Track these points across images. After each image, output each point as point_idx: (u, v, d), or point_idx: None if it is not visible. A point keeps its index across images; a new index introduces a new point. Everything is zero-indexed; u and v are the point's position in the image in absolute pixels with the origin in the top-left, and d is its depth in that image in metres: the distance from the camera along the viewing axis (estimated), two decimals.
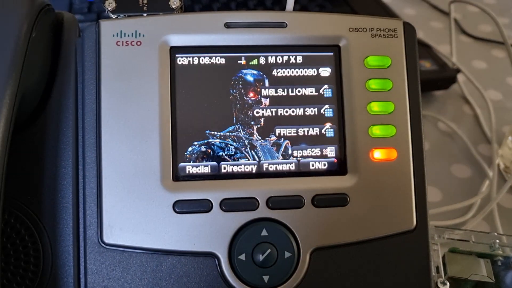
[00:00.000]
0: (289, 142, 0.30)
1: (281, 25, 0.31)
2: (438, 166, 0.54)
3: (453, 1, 0.66)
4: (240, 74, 0.30)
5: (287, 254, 0.29)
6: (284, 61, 0.31)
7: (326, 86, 0.31)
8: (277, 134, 0.30)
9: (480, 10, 0.63)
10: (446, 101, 0.63)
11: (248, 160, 0.30)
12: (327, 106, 0.31)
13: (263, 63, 0.31)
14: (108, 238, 0.28)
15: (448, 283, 0.33)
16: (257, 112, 0.30)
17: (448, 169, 0.54)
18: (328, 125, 0.31)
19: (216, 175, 0.30)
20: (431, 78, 0.60)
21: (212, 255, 0.29)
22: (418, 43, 0.65)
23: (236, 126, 0.30)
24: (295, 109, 0.31)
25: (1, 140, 0.23)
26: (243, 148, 0.30)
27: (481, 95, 0.62)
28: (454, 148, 0.57)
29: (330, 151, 0.31)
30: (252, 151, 0.30)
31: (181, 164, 0.30)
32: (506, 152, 0.54)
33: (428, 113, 0.60)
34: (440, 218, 0.48)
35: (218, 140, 0.30)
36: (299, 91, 0.31)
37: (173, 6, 0.30)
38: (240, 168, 0.30)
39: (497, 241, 0.36)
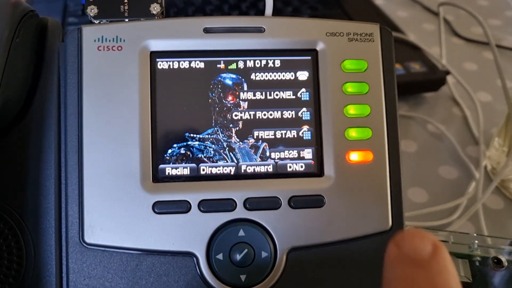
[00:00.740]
0: (267, 144, 0.31)
1: (259, 30, 0.31)
2: (425, 168, 0.55)
3: (443, 3, 0.66)
4: (219, 78, 0.31)
5: (263, 254, 0.29)
6: (262, 65, 0.31)
7: (303, 90, 0.32)
8: (255, 137, 0.31)
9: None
10: (435, 102, 0.64)
11: (227, 162, 0.31)
12: (304, 109, 0.31)
13: (241, 67, 0.31)
14: (89, 238, 0.29)
15: None
16: (236, 115, 0.31)
17: (435, 171, 0.55)
18: (305, 127, 0.31)
19: (195, 177, 0.30)
20: (420, 80, 0.61)
21: (190, 255, 0.29)
22: (409, 46, 0.66)
23: (215, 128, 0.31)
24: (273, 112, 0.31)
25: None
26: (221, 150, 0.31)
27: (470, 97, 0.62)
28: (442, 150, 0.57)
29: (307, 153, 0.31)
30: (231, 153, 0.31)
31: (161, 165, 0.30)
32: (493, 153, 0.55)
33: (417, 115, 0.61)
34: (426, 219, 0.48)
35: (197, 142, 0.31)
36: (277, 95, 0.31)
37: (154, 12, 0.31)
38: (218, 170, 0.31)
39: (476, 241, 0.37)
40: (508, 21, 0.80)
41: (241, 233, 0.29)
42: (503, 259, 0.35)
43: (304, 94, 0.32)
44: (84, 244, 0.29)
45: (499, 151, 0.54)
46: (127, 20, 0.31)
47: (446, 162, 0.56)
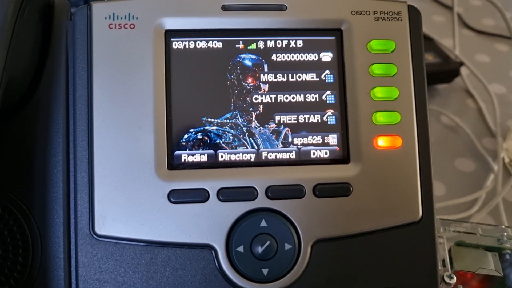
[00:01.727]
0: (289, 129, 0.29)
1: (280, 8, 0.29)
2: (442, 160, 0.53)
3: None
4: (238, 59, 0.29)
5: (287, 246, 0.28)
6: (284, 46, 0.30)
7: (327, 72, 0.30)
8: (276, 121, 0.29)
9: (482, 3, 0.62)
10: (449, 94, 0.62)
11: (247, 148, 0.29)
12: (328, 92, 0.30)
13: (262, 48, 0.30)
14: (100, 229, 0.27)
15: (454, 277, 0.32)
16: (256, 98, 0.29)
17: (452, 163, 0.53)
18: (329, 111, 0.30)
19: (213, 164, 0.29)
20: (434, 71, 0.59)
21: (209, 247, 0.28)
22: None
23: (234, 112, 0.29)
24: (295, 95, 0.29)
25: None
26: (241, 136, 0.29)
27: (485, 89, 0.61)
28: (458, 142, 0.56)
29: (332, 139, 0.29)
30: (251, 138, 0.29)
31: (177, 152, 0.28)
32: (511, 145, 0.53)
33: (431, 107, 0.59)
34: (444, 213, 0.47)
35: (215, 127, 0.29)
36: (299, 77, 0.30)
37: None
38: (238, 157, 0.29)
39: (505, 234, 0.35)
40: None
41: (263, 223, 0.28)
42: None
43: (328, 76, 0.30)
44: (95, 236, 0.27)
45: None
46: None
47: (462, 154, 0.54)
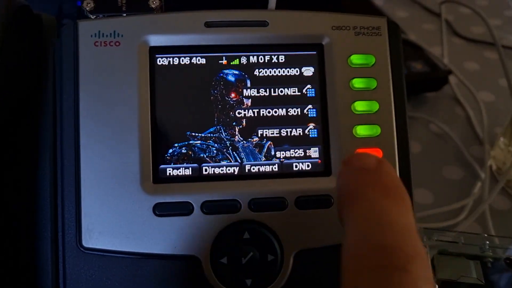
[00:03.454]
0: (271, 143, 0.30)
1: (262, 24, 0.30)
2: (429, 168, 0.54)
3: (444, 2, 0.65)
4: (222, 75, 0.30)
5: (270, 257, 0.28)
6: (266, 61, 0.30)
7: (309, 86, 0.30)
8: (259, 135, 0.30)
9: (472, 11, 0.63)
10: (437, 102, 0.63)
11: (230, 161, 0.29)
12: (310, 106, 0.30)
13: (244, 63, 0.30)
14: (87, 242, 0.28)
15: (437, 286, 0.32)
16: (239, 113, 0.30)
17: (439, 171, 0.54)
18: (311, 125, 0.30)
19: (197, 177, 0.29)
20: (422, 79, 0.60)
21: (193, 259, 0.28)
22: (410, 45, 0.65)
23: (218, 127, 0.30)
24: (278, 109, 0.30)
25: None
26: (224, 150, 0.29)
27: (473, 97, 0.61)
28: (446, 150, 0.56)
29: (314, 152, 0.30)
30: (234, 152, 0.30)
31: (162, 166, 0.29)
32: (498, 153, 0.54)
33: (419, 115, 0.60)
34: (431, 220, 0.47)
35: (199, 141, 0.29)
36: (281, 91, 0.30)
37: (153, 6, 0.30)
38: (221, 170, 0.29)
39: (487, 242, 0.35)
40: (507, 21, 0.80)
41: (246, 235, 0.28)
42: None
43: (309, 90, 0.30)
44: (82, 249, 0.28)
45: (505, 151, 0.53)
46: (124, 15, 0.30)
47: (450, 162, 0.55)
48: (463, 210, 0.49)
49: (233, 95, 0.30)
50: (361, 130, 0.30)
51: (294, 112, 0.30)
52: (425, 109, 0.61)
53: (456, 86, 0.64)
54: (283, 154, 0.30)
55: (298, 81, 0.30)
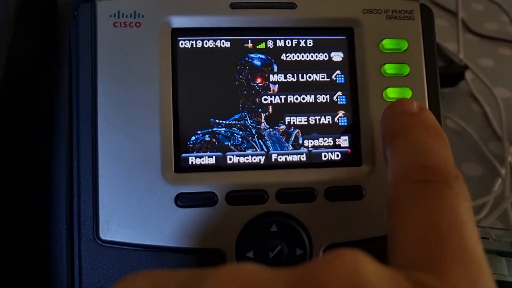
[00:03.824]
0: (299, 131, 0.29)
1: (290, 6, 0.29)
2: None
3: None
4: (247, 59, 0.29)
5: (298, 251, 0.27)
6: (294, 45, 0.29)
7: (338, 72, 0.29)
8: (286, 123, 0.28)
9: (485, 8, 0.62)
10: (454, 98, 0.62)
11: (256, 150, 0.28)
12: (339, 93, 0.29)
13: (271, 47, 0.29)
14: (105, 234, 0.27)
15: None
16: (265, 99, 0.29)
17: (458, 168, 0.52)
18: (341, 113, 0.29)
19: (221, 166, 0.28)
20: (439, 75, 0.59)
21: (218, 253, 0.27)
22: None
23: (243, 114, 0.28)
24: (306, 96, 0.29)
25: None
26: (250, 138, 0.28)
27: (490, 92, 0.60)
28: (464, 146, 0.55)
29: (344, 141, 0.29)
30: (260, 140, 0.28)
31: (184, 154, 0.28)
32: None
33: None
34: None
35: (224, 128, 0.28)
36: (309, 77, 0.29)
37: None
38: (247, 159, 0.28)
39: None
40: None
41: (274, 228, 0.27)
42: None
43: (339, 76, 0.29)
44: (99, 242, 0.27)
45: None
46: None
47: (469, 158, 0.54)
48: (484, 207, 0.48)
49: (259, 80, 0.29)
50: None
51: (323, 99, 0.29)
52: (442, 104, 0.60)
53: (472, 82, 0.63)
54: (311, 142, 0.29)
55: (327, 66, 0.29)
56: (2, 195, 0.26)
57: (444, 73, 0.59)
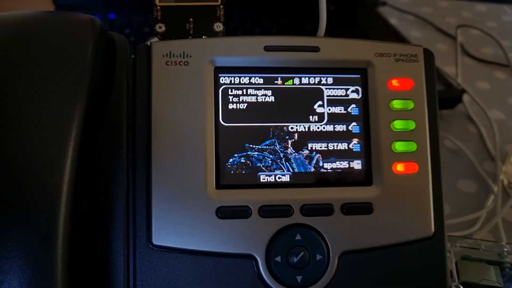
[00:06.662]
0: (320, 155, 0.33)
1: (314, 50, 0.34)
2: (446, 182, 0.57)
3: (460, 26, 0.69)
4: None
5: (318, 257, 0.32)
6: (316, 82, 0.34)
7: (353, 105, 0.34)
8: (309, 148, 0.33)
9: (482, 33, 0.67)
10: (452, 120, 0.66)
11: (283, 171, 0.33)
12: (354, 123, 0.34)
13: (297, 83, 0.34)
14: (157, 240, 0.31)
15: (461, 287, 0.36)
16: (292, 128, 0.33)
17: (455, 185, 0.57)
18: (355, 140, 0.34)
19: (254, 184, 0.33)
20: (438, 98, 0.63)
21: (250, 257, 0.31)
22: None
23: (273, 140, 0.33)
24: (326, 126, 0.34)
25: (74, 142, 0.26)
26: (278, 160, 0.33)
27: (485, 115, 0.65)
28: (460, 165, 0.60)
29: (357, 164, 0.34)
30: (287, 163, 0.33)
31: (223, 173, 0.32)
32: (510, 168, 0.57)
33: None
34: (448, 230, 0.50)
35: (256, 152, 0.33)
36: (329, 110, 0.34)
37: (217, 30, 0.34)
38: (276, 178, 0.33)
39: (505, 249, 0.39)
40: None
41: (298, 237, 0.32)
42: None
43: (354, 109, 0.34)
44: (152, 246, 0.31)
45: None
46: (191, 38, 0.34)
47: (464, 176, 0.58)
48: (477, 221, 0.52)
49: None
50: (399, 146, 0.33)
51: (340, 128, 0.34)
52: (440, 126, 0.64)
53: (469, 105, 0.68)
54: (330, 165, 0.33)
55: (344, 101, 0.34)
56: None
57: (443, 97, 0.64)
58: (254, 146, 0.33)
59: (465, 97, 0.68)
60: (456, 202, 0.55)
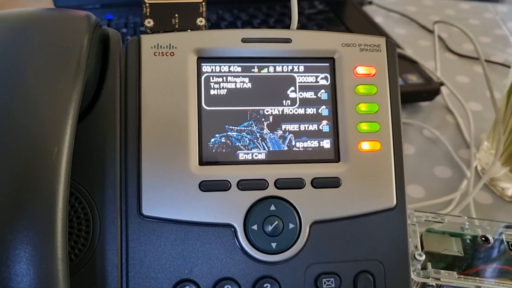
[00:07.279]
0: (293, 135, 0.37)
1: (287, 41, 0.37)
2: (422, 167, 0.61)
3: (438, 22, 0.73)
4: None
5: (291, 226, 0.35)
6: (289, 70, 0.38)
7: (323, 91, 0.38)
8: (283, 129, 0.37)
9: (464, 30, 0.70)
10: (430, 111, 0.70)
11: (260, 149, 0.37)
12: (323, 106, 0.38)
13: (272, 71, 0.38)
14: (146, 211, 0.34)
15: (423, 255, 0.39)
16: (267, 111, 0.37)
17: (431, 170, 0.61)
18: (324, 122, 0.37)
19: (233, 161, 0.36)
20: (417, 90, 0.67)
21: (230, 226, 0.34)
22: (407, 60, 0.73)
23: (250, 122, 0.37)
24: (298, 109, 0.37)
25: (71, 126, 0.30)
26: (255, 140, 0.37)
27: (462, 106, 0.69)
28: (437, 152, 0.63)
29: (326, 143, 0.37)
30: (263, 142, 0.37)
31: (206, 151, 0.36)
32: (483, 155, 0.61)
33: (414, 122, 0.67)
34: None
35: (235, 133, 0.37)
36: (301, 95, 0.38)
37: (200, 24, 0.37)
38: (253, 156, 0.37)
39: (467, 223, 0.43)
40: (497, 39, 0.87)
41: (272, 207, 0.35)
42: (490, 237, 0.42)
43: (323, 94, 0.38)
44: (142, 217, 0.34)
45: (488, 153, 0.60)
46: (176, 31, 0.37)
47: (440, 163, 0.62)
48: (451, 203, 0.56)
49: None
50: (364, 126, 0.37)
51: (311, 111, 0.38)
52: (420, 116, 0.69)
53: (448, 97, 0.71)
54: (301, 144, 0.37)
55: (314, 86, 0.38)
56: (72, 181, 0.34)
57: (423, 89, 0.68)
58: (233, 127, 0.37)
59: (444, 90, 0.71)
60: (432, 186, 0.58)
